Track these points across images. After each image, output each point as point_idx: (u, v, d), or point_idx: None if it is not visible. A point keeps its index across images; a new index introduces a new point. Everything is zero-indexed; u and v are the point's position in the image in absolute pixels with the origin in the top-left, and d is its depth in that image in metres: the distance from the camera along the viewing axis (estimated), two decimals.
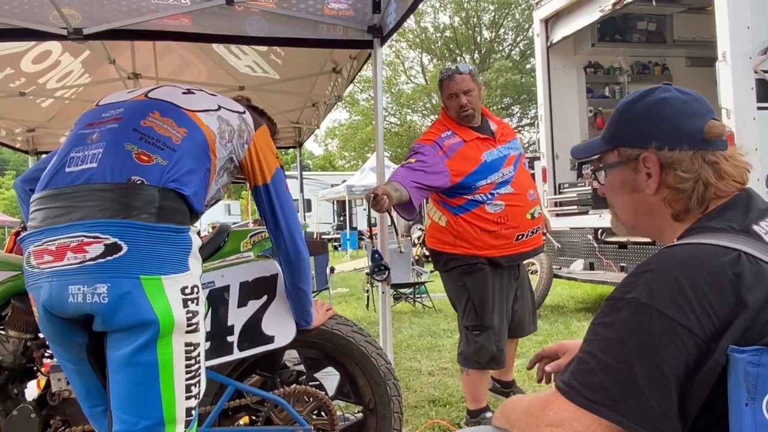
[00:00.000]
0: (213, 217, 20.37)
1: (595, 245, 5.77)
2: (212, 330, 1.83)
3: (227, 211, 23.93)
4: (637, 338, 0.84)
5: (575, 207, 5.96)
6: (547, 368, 1.30)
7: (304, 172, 9.76)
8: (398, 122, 29.05)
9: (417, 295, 7.11)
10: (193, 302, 1.40)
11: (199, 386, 1.44)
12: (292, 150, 10.20)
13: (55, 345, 1.45)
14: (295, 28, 3.01)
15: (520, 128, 26.73)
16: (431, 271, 6.80)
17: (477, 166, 2.66)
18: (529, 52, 26.79)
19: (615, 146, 1.07)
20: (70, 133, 1.56)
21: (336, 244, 18.49)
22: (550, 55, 6.32)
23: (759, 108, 4.23)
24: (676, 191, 0.99)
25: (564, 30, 6.04)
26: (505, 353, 2.79)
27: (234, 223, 14.61)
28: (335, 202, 22.33)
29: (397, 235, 2.87)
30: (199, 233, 1.62)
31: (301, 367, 2.16)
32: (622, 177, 1.06)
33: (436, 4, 28.01)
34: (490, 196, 2.67)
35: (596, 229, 5.74)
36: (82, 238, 1.30)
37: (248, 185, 1.72)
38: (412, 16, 10.79)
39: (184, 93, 1.65)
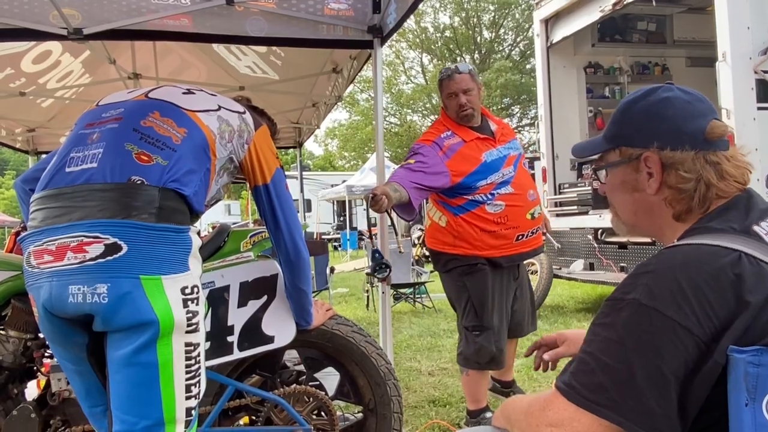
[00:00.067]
0: (213, 217, 20.36)
1: (595, 245, 5.77)
2: (212, 330, 1.83)
3: (227, 211, 23.93)
4: (637, 339, 0.84)
5: (575, 207, 5.95)
6: (546, 356, 1.33)
7: (304, 172, 9.76)
8: (398, 122, 29.05)
9: (417, 296, 7.11)
10: (193, 302, 1.40)
11: (199, 386, 1.44)
12: (292, 150, 10.20)
13: (55, 345, 1.45)
14: (295, 28, 3.02)
15: (520, 128, 26.73)
16: (431, 272, 6.79)
17: (477, 167, 2.66)
18: (529, 52, 26.78)
19: (616, 145, 1.06)
20: (70, 133, 1.56)
21: (336, 244, 18.48)
22: (550, 55, 6.32)
23: (759, 108, 4.22)
24: (678, 191, 0.99)
25: (564, 30, 6.04)
26: (505, 353, 2.78)
27: (234, 223, 14.59)
28: (335, 202, 22.34)
29: (396, 235, 2.87)
30: (199, 233, 1.62)
31: (301, 367, 2.16)
32: (623, 176, 1.06)
33: (436, 4, 28.06)
34: (490, 197, 2.67)
35: (596, 230, 5.74)
36: (82, 238, 1.31)
37: (248, 185, 1.72)
38: (412, 17, 10.80)
39: (184, 93, 1.65)
